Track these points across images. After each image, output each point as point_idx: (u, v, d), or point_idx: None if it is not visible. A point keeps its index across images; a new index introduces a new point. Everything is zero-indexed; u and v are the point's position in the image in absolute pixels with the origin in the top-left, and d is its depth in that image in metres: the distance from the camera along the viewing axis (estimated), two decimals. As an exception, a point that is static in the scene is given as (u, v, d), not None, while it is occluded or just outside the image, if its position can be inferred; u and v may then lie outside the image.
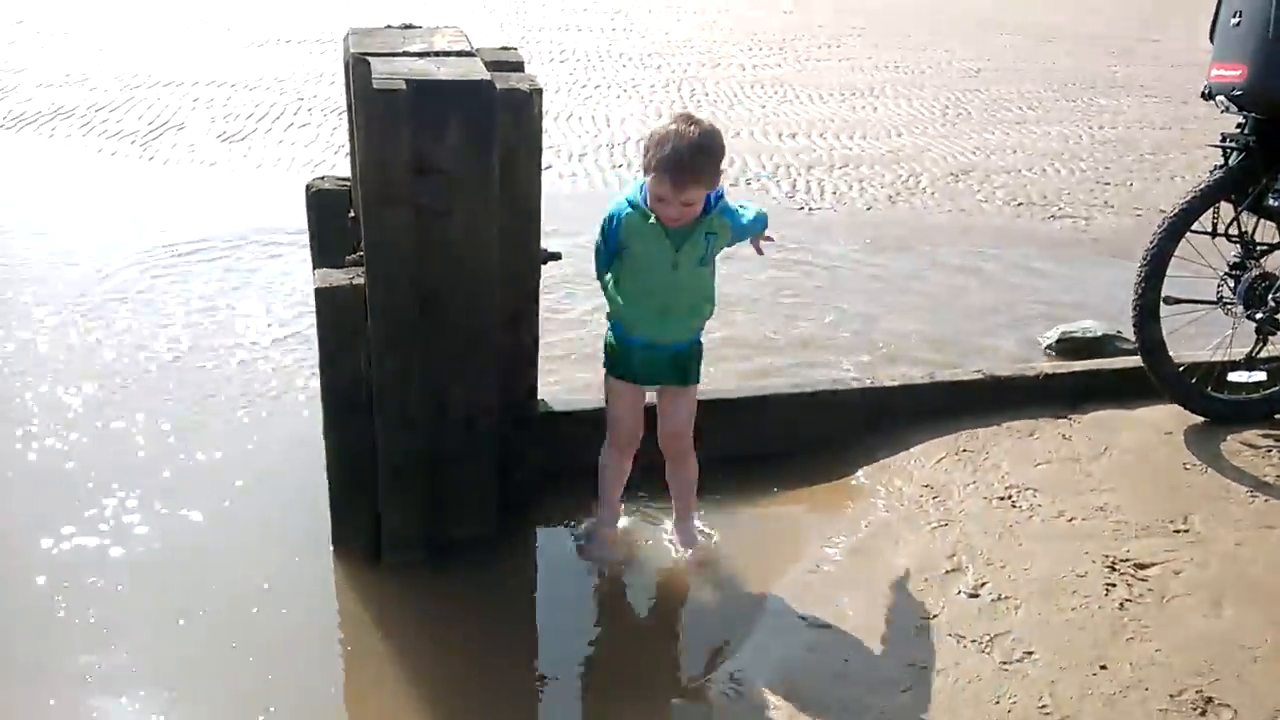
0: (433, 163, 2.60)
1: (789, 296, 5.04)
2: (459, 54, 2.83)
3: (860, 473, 3.55)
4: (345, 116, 6.74)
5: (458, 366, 2.88)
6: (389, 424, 2.88)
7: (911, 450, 3.62)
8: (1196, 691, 2.56)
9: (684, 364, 3.01)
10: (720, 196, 2.88)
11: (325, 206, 3.25)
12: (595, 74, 9.39)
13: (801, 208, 6.33)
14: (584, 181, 6.63)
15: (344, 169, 5.14)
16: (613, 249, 2.88)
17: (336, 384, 2.91)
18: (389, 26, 3.14)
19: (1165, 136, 8.00)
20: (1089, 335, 4.54)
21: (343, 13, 11.88)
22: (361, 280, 2.80)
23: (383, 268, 2.71)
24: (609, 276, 2.95)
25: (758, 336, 4.63)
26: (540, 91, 2.77)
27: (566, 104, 8.27)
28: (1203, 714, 2.51)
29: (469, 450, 2.95)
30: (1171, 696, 2.55)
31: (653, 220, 2.77)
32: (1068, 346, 4.53)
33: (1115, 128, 8.20)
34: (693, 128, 2.69)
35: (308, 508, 3.18)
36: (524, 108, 2.73)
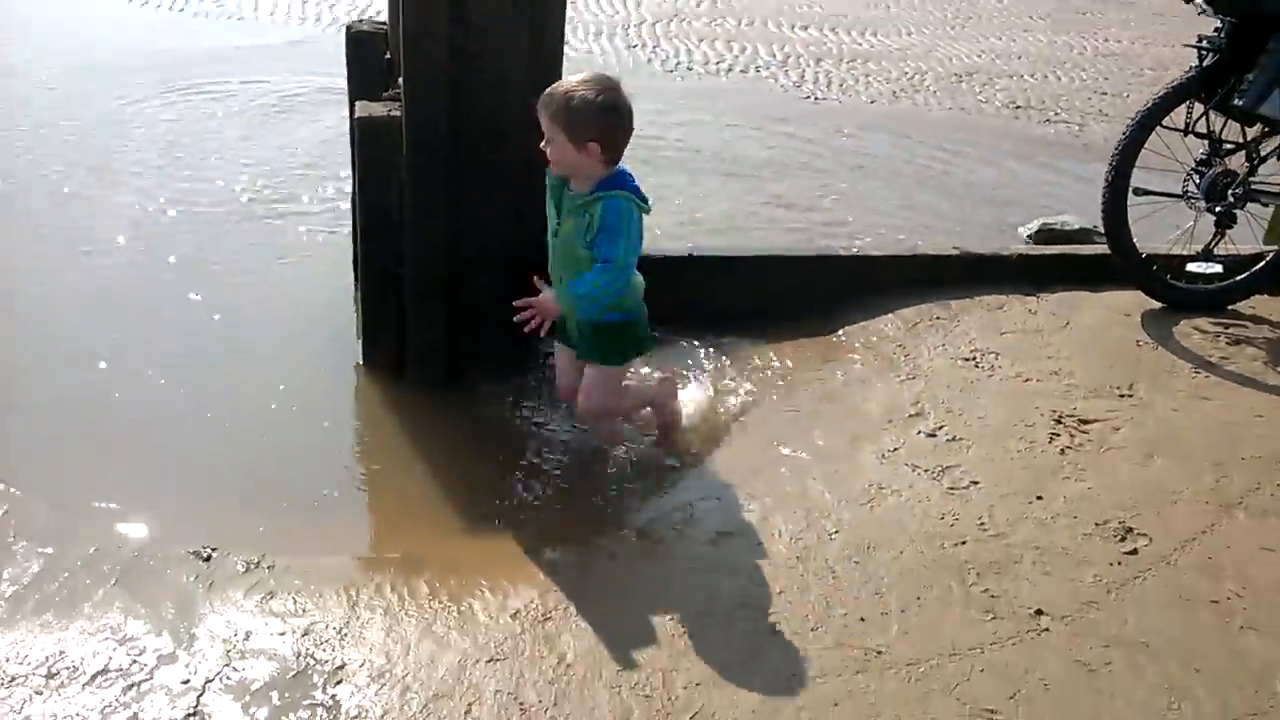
0: (467, 7, 2.85)
1: (784, 169, 5.32)
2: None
3: (841, 331, 3.87)
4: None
5: (481, 198, 3.16)
6: (417, 248, 3.18)
7: (889, 315, 3.93)
8: (1119, 522, 2.91)
9: (585, 337, 3.00)
10: (619, 187, 2.77)
11: (363, 47, 3.49)
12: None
13: (808, 97, 6.55)
14: (599, 59, 6.82)
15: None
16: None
17: (371, 210, 3.21)
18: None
19: (1167, 54, 8.17)
20: (1067, 228, 4.82)
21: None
22: (398, 113, 3.06)
23: (418, 101, 2.98)
24: None
25: (755, 202, 4.92)
26: (572, -53, 3.00)
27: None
28: (1122, 540, 2.86)
29: (487, 273, 3.25)
30: (1096, 524, 2.90)
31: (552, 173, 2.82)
32: (1045, 237, 4.82)
33: (1120, 42, 8.36)
34: (577, 79, 2.70)
35: (336, 334, 3.51)
36: (555, -41, 2.97)
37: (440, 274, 3.20)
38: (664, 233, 4.42)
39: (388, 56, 3.40)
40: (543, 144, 2.75)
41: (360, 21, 3.59)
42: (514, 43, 2.94)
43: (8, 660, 2.26)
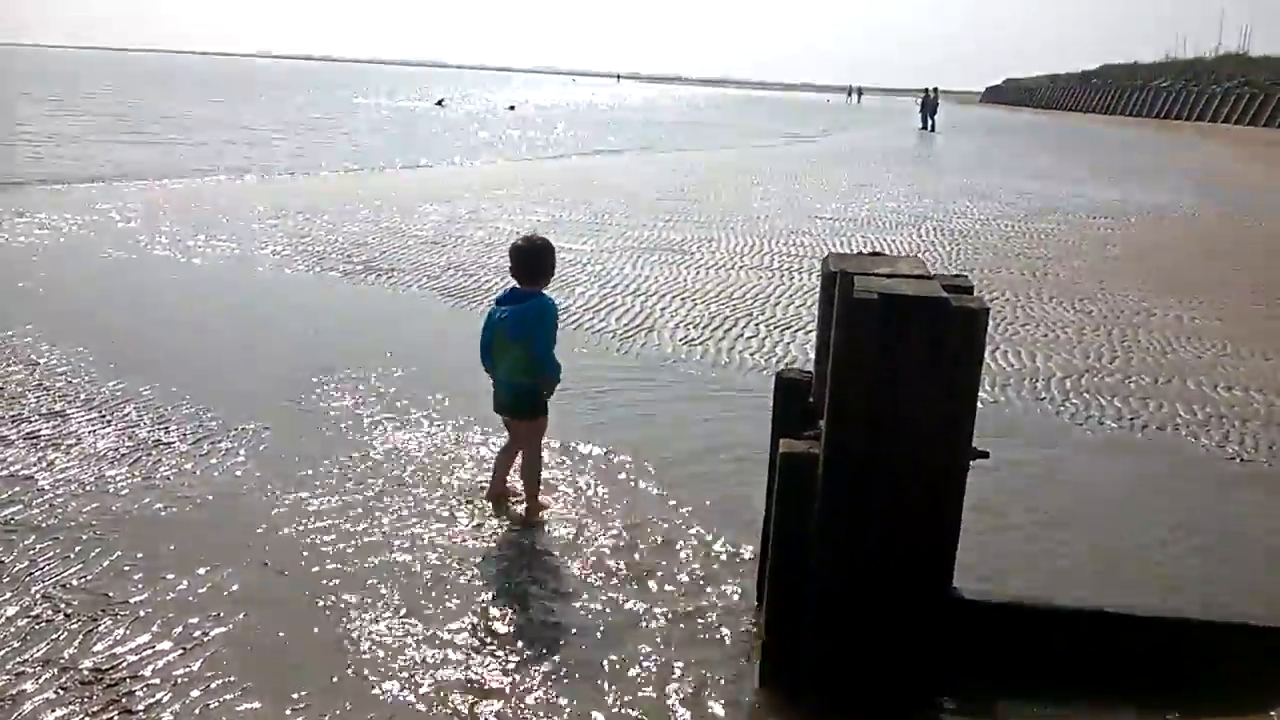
0: (892, 360, 3.24)
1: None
2: (918, 276, 3.49)
3: (1275, 712, 3.58)
4: (790, 329, 7.61)
5: (884, 537, 3.41)
6: (819, 578, 3.45)
7: (1332, 697, 3.59)
8: None
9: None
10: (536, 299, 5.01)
11: (790, 391, 3.98)
12: (1021, 313, 9.79)
13: (1233, 458, 6.31)
14: (1005, 410, 7.03)
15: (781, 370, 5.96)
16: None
17: (785, 537, 3.55)
18: (860, 253, 3.89)
19: None
20: None
21: (782, 245, 13.25)
22: (817, 450, 3.45)
23: (838, 443, 3.35)
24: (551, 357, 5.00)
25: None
26: (987, 311, 3.34)
27: (993, 338, 8.72)
28: None
29: (879, 614, 3.43)
30: None
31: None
32: None
33: None
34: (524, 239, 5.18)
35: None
36: (972, 322, 3.31)
37: (842, 611, 3.43)
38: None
39: (810, 401, 3.84)
40: None
41: (789, 369, 4.10)
42: (932, 391, 3.26)
43: None
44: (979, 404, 6.91)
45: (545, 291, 5.05)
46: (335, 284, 10.25)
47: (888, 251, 11.37)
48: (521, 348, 4.89)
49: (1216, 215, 16.99)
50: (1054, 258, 12.93)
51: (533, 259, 5.04)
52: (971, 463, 3.55)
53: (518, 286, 5.06)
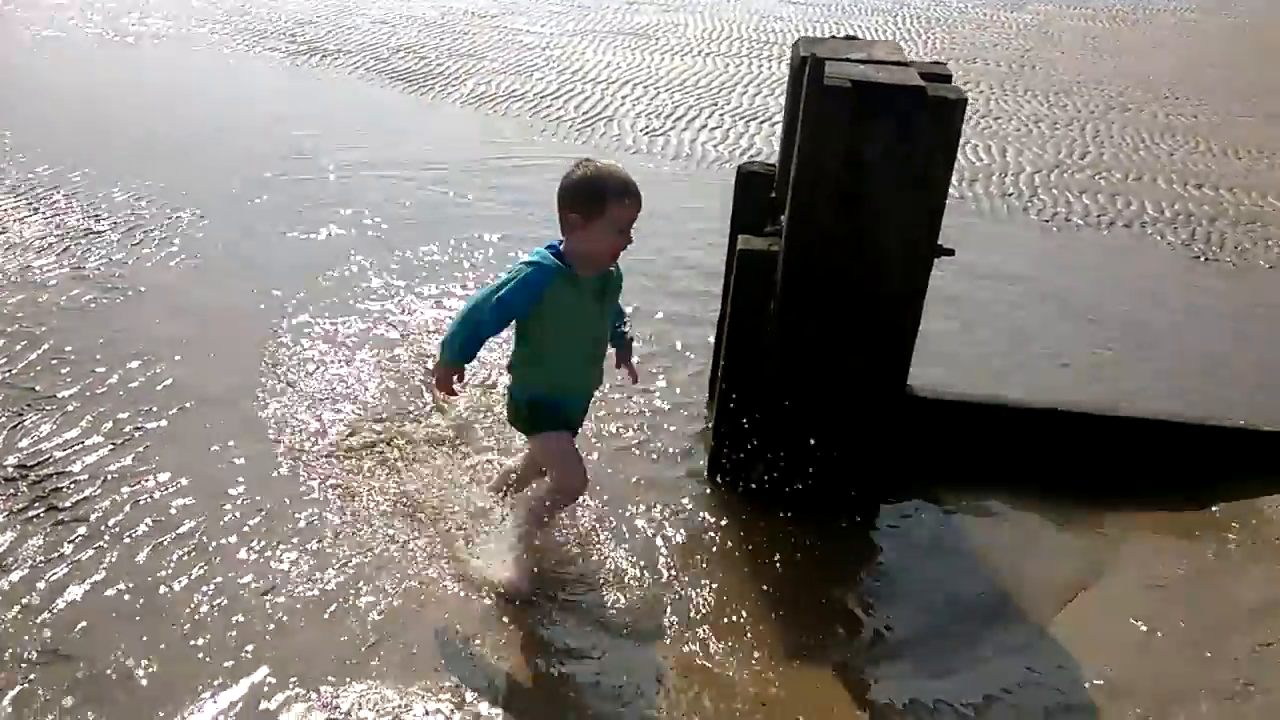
0: (860, 153, 3.02)
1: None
2: (896, 64, 3.23)
3: (1217, 507, 3.60)
4: (756, 120, 7.31)
5: (845, 336, 3.28)
6: (774, 378, 3.33)
7: (1275, 495, 3.61)
8: None
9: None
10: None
11: (752, 185, 3.76)
12: (995, 105, 9.47)
13: (1198, 256, 6.21)
14: (971, 205, 6.85)
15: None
16: (524, 316, 2.92)
17: (739, 335, 3.41)
18: (833, 37, 3.60)
19: None
20: None
21: (752, 31, 12.66)
22: (778, 247, 3.27)
23: (799, 239, 3.17)
24: (524, 350, 3.01)
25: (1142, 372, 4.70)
26: (965, 101, 3.10)
27: (965, 132, 8.42)
28: None
29: (837, 414, 3.34)
30: None
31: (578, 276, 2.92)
32: None
33: None
34: (607, 163, 2.96)
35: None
36: (948, 113, 3.08)
37: (797, 404, 3.33)
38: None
39: (773, 195, 3.63)
40: (625, 240, 2.94)
41: (751, 163, 3.87)
42: (902, 184, 3.06)
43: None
44: (947, 200, 6.78)
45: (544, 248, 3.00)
46: (278, 65, 9.68)
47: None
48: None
49: (1207, 11, 16.39)
50: (1032, 49, 12.47)
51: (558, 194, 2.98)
52: (936, 260, 3.40)
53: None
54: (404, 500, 3.41)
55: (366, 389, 4.10)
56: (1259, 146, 8.62)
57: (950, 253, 3.42)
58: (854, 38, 3.60)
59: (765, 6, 14.35)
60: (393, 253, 5.45)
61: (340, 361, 4.30)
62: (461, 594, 3.04)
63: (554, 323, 2.94)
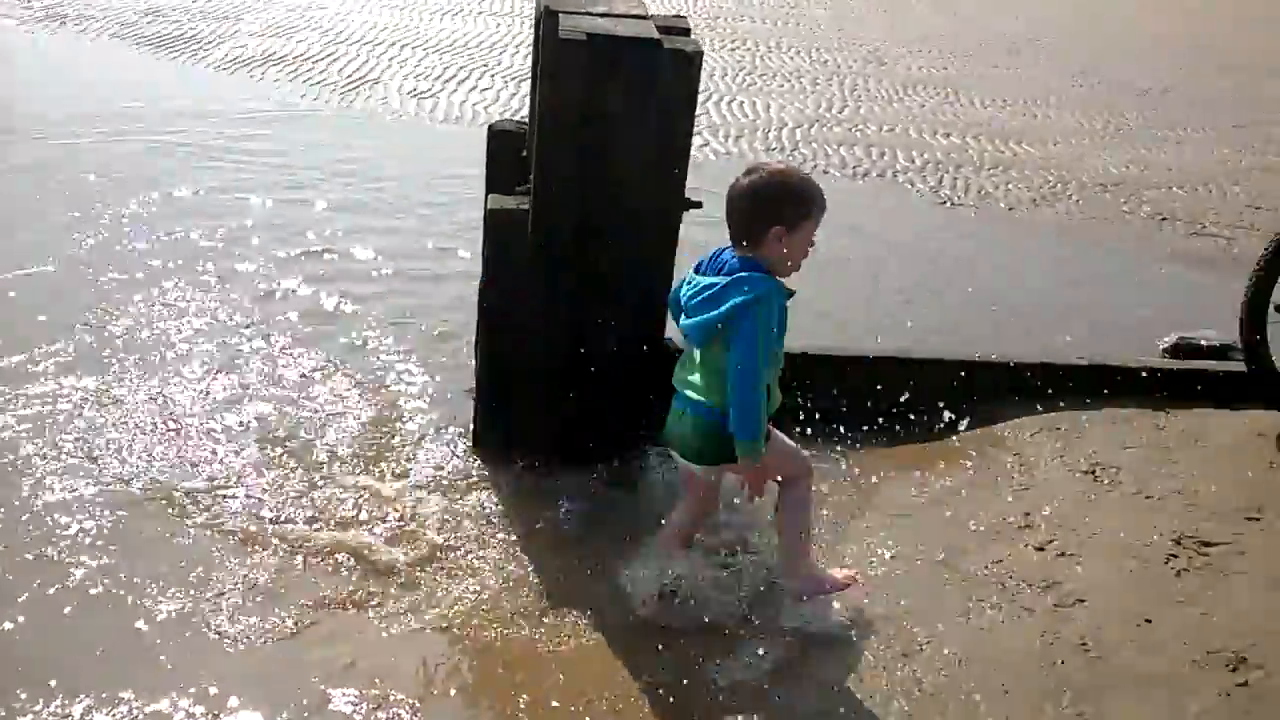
0: (601, 106, 3.02)
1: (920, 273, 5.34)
2: (635, 17, 3.24)
3: (955, 437, 3.84)
4: (525, 81, 7.22)
5: (602, 293, 3.30)
6: (534, 339, 3.33)
7: (1008, 422, 3.88)
8: (1233, 652, 2.79)
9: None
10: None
11: (502, 144, 3.72)
12: (761, 63, 9.72)
13: (944, 202, 6.57)
14: (738, 160, 7.01)
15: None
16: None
17: (494, 298, 3.39)
18: (576, -11, 3.58)
19: (1334, 170, 7.87)
20: (1207, 343, 4.67)
21: (531, -13, 12.49)
22: (528, 206, 3.25)
23: (546, 196, 3.16)
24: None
25: (881, 301, 4.94)
26: (701, 54, 3.15)
27: (730, 89, 8.63)
28: (1234, 670, 2.73)
29: (602, 369, 3.36)
30: (1208, 653, 2.78)
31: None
32: (1184, 352, 4.67)
33: (1278, 156, 8.10)
34: (792, 167, 2.87)
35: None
36: (685, 67, 3.11)
37: (557, 367, 3.34)
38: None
39: (524, 154, 3.61)
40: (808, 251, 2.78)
41: (502, 120, 3.82)
42: (643, 137, 3.09)
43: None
44: (707, 156, 6.94)
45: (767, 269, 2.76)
46: (8, 34, 8.91)
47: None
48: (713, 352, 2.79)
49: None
50: (797, 7, 12.85)
51: (750, 202, 2.76)
52: (685, 213, 3.46)
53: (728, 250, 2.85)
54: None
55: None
56: (1003, 96, 9.19)
57: (698, 205, 3.49)
58: (596, -10, 3.59)
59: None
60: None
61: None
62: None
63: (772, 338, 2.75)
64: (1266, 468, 3.65)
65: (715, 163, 6.75)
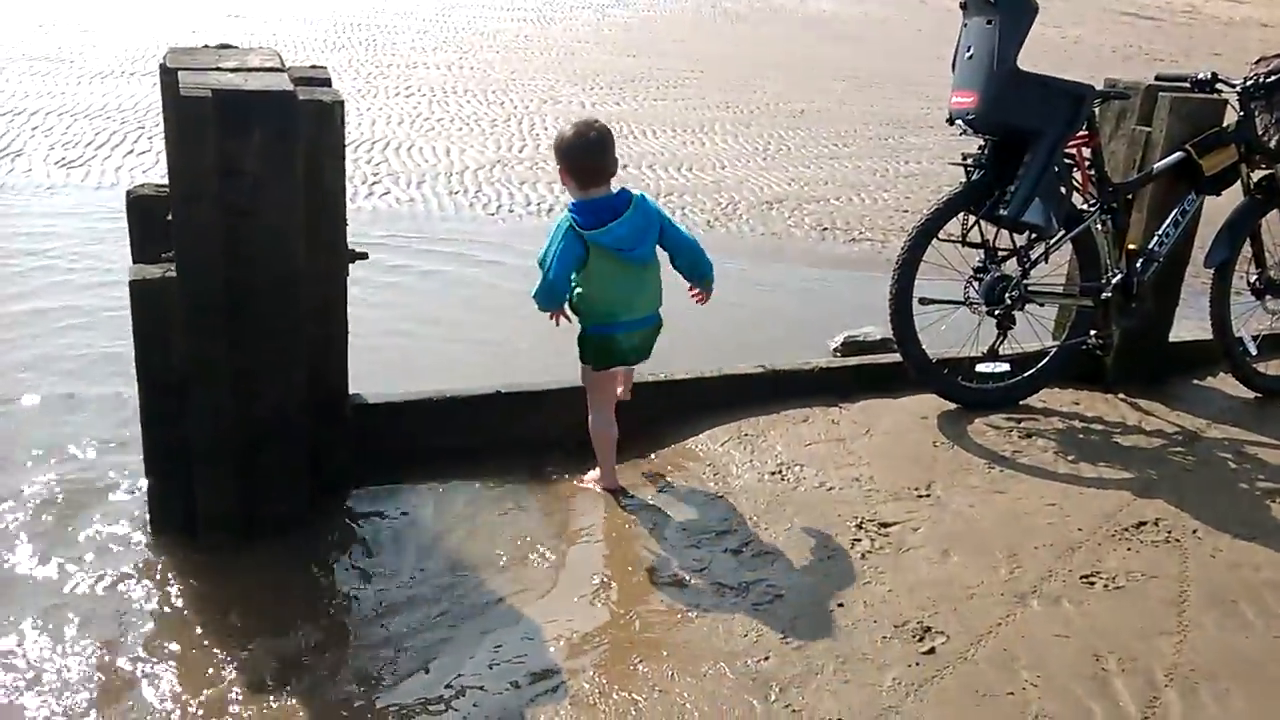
0: (238, 165, 2.87)
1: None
2: (269, 70, 3.11)
3: (654, 454, 3.92)
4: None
5: (266, 357, 3.12)
6: (199, 412, 3.10)
7: (701, 435, 4.00)
8: (918, 623, 2.98)
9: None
10: (574, 211, 3.48)
11: (145, 210, 3.45)
12: (439, 108, 9.69)
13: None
14: (420, 206, 6.92)
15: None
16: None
17: (150, 373, 3.13)
18: (206, 46, 3.40)
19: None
20: (870, 339, 5.04)
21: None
22: (173, 274, 3.03)
23: (190, 262, 2.96)
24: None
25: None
26: (342, 103, 3.07)
27: (409, 135, 8.53)
28: (920, 640, 2.92)
29: (279, 436, 3.19)
30: (895, 626, 2.97)
31: None
32: (852, 349, 5.02)
33: (919, 163, 8.91)
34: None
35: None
36: (327, 117, 3.03)
37: (226, 438, 3.13)
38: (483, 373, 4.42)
39: (169, 218, 3.37)
40: None
41: (141, 186, 3.55)
42: (288, 193, 2.96)
43: None
44: (391, 204, 6.81)
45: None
46: None
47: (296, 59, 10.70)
48: (656, 264, 3.59)
49: (606, 10, 18.00)
50: (470, 51, 12.93)
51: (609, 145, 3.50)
52: (351, 265, 3.35)
53: (591, 195, 3.46)
54: None
55: None
56: (672, 126, 9.61)
57: (364, 256, 3.40)
58: (230, 46, 3.43)
59: (205, 20, 13.52)
60: None
61: None
62: None
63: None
64: (931, 447, 3.95)
65: (396, 210, 6.64)
